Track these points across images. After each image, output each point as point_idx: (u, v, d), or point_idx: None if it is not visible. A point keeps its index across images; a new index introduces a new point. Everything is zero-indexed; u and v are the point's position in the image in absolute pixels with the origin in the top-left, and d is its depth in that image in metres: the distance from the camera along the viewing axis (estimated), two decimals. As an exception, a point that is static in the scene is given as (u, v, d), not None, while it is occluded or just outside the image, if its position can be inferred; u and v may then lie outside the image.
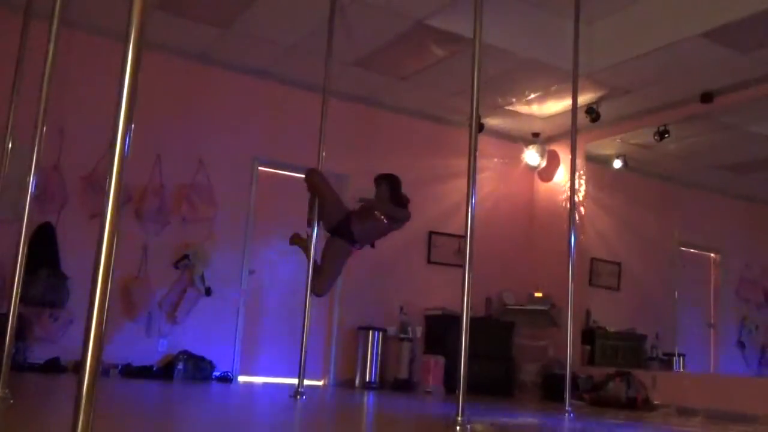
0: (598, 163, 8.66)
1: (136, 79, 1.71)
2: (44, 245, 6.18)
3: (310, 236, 5.41)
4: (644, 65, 6.63)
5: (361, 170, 7.95)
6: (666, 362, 8.42)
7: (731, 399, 6.32)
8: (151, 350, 6.64)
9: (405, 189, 7.91)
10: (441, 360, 7.54)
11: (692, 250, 9.46)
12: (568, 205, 5.85)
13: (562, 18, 5.85)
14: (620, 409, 6.53)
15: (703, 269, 9.46)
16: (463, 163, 4.04)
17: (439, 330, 7.76)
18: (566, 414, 5.15)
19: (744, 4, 5.50)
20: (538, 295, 8.45)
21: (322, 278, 5.36)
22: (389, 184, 5.58)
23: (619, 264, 8.76)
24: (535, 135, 8.91)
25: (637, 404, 6.63)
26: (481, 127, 8.01)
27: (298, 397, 5.10)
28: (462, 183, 4.13)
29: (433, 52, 6.77)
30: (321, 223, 5.44)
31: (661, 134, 7.64)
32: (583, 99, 7.17)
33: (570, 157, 5.82)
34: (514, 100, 7.85)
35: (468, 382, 3.46)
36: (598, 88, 7.32)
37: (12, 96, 4.08)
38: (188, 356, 6.62)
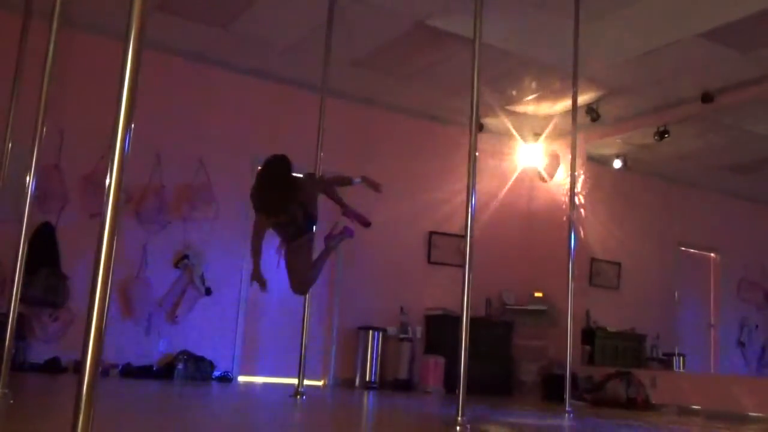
0: (598, 163, 8.66)
1: (136, 79, 1.71)
2: (44, 245, 6.17)
3: None
4: (644, 65, 6.62)
5: (360, 170, 7.93)
6: (666, 362, 8.42)
7: (731, 399, 6.31)
8: (151, 350, 6.64)
9: (404, 189, 7.99)
10: (441, 360, 7.54)
11: (692, 250, 9.46)
12: (568, 205, 5.85)
13: (561, 18, 5.84)
14: (620, 409, 6.53)
15: (703, 269, 9.46)
16: (462, 163, 4.04)
17: (439, 330, 7.76)
18: (566, 414, 5.15)
19: (744, 4, 5.49)
20: (538, 295, 8.45)
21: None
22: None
23: (619, 264, 8.76)
24: (536, 135, 8.91)
25: (637, 404, 6.63)
26: (480, 127, 8.00)
27: (298, 397, 5.10)
28: (462, 183, 4.12)
29: (433, 52, 6.77)
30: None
31: (661, 134, 7.63)
32: (583, 99, 7.16)
33: (570, 157, 5.82)
34: (514, 99, 7.84)
35: (468, 382, 3.46)
36: (598, 88, 7.31)
37: (12, 96, 4.08)
38: (188, 356, 6.61)
